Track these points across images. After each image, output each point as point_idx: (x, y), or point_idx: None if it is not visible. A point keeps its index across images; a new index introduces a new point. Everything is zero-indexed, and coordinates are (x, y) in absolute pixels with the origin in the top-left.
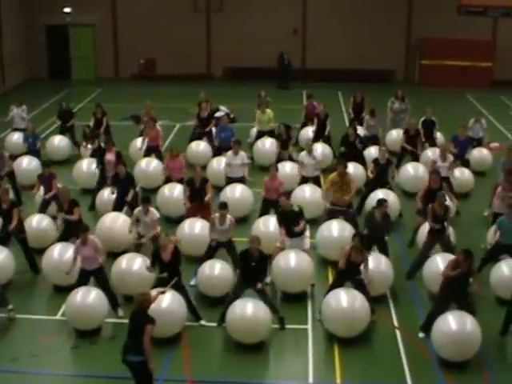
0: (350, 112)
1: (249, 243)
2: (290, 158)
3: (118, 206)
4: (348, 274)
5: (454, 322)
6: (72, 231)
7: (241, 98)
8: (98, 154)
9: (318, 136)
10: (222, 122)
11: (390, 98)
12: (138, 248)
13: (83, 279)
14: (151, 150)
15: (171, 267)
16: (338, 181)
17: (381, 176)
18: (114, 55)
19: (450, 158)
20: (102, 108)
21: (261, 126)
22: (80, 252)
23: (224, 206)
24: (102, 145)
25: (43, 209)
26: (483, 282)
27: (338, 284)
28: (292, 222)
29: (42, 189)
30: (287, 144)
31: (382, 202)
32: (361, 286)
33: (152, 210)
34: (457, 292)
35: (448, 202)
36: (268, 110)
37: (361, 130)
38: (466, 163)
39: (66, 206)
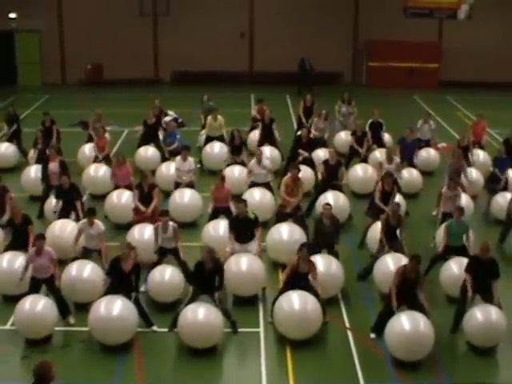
0: (301, 116)
1: (203, 254)
2: (243, 163)
3: (62, 217)
4: (295, 284)
5: (407, 322)
6: (20, 241)
7: (189, 102)
8: (42, 163)
9: (264, 140)
10: (168, 127)
11: (338, 100)
12: (85, 256)
13: (34, 288)
14: (100, 159)
15: (130, 278)
16: (291, 184)
17: (330, 177)
18: (61, 61)
19: (396, 159)
20: (50, 116)
21: (211, 133)
22: (33, 261)
23: (165, 214)
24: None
25: None
26: (433, 281)
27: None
28: (245, 228)
29: None
30: (240, 149)
31: (326, 207)
32: (310, 290)
33: (97, 222)
34: (406, 297)
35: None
36: (219, 117)
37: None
38: (412, 165)
39: (19, 221)
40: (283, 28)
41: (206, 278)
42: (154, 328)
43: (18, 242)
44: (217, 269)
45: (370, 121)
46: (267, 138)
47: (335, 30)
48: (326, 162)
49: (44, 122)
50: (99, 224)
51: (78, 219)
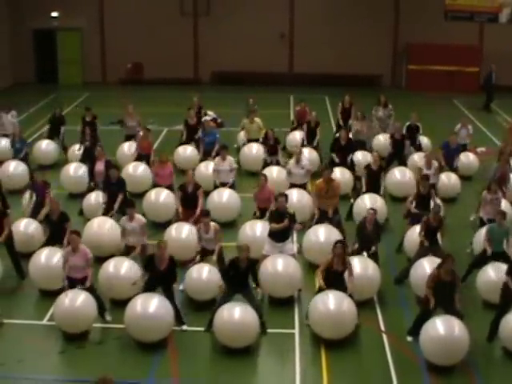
0: (339, 117)
1: (238, 251)
2: (278, 163)
3: (108, 210)
4: (330, 283)
5: (442, 327)
6: (57, 237)
7: (228, 102)
8: (89, 163)
9: (307, 142)
10: (206, 126)
11: (374, 105)
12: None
13: (70, 287)
14: (142, 158)
15: (166, 276)
16: (324, 186)
17: (372, 182)
18: (102, 59)
19: (435, 164)
20: (92, 112)
21: (250, 136)
22: (69, 260)
23: (206, 214)
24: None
25: (34, 215)
26: (470, 286)
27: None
28: (282, 222)
29: (33, 196)
30: (275, 149)
31: (370, 212)
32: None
33: (137, 216)
34: (443, 299)
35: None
36: (256, 119)
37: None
38: (454, 170)
39: (56, 217)
40: (323, 30)
41: (239, 276)
42: (184, 327)
43: (54, 239)
44: (251, 265)
45: (407, 123)
46: (310, 140)
47: (375, 33)
48: (368, 167)
49: (84, 118)
50: (140, 217)
51: (121, 213)
